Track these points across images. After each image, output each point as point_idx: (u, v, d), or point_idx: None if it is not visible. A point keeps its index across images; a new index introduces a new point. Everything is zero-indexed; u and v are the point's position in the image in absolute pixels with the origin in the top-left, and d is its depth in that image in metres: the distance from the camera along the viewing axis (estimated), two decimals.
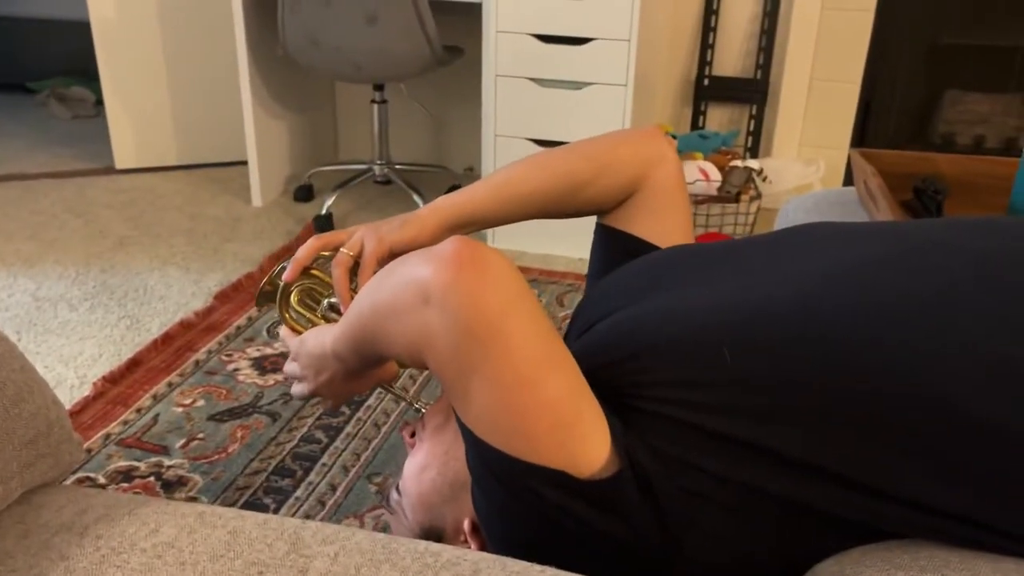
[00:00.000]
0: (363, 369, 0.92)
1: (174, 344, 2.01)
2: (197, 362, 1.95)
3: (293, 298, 1.00)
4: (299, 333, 0.99)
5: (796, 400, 0.73)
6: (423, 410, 1.07)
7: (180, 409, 1.77)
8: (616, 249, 1.10)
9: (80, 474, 1.58)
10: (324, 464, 1.61)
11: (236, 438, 1.69)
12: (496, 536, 0.82)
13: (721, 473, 0.74)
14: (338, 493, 1.54)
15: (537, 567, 0.70)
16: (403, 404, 1.75)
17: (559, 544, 0.77)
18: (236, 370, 1.92)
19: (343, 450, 1.65)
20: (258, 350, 2.00)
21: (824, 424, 0.71)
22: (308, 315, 0.99)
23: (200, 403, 1.80)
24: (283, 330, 1.01)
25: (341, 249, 0.98)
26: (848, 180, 2.90)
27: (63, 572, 0.69)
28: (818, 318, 0.75)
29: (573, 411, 0.74)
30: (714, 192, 2.55)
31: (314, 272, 1.00)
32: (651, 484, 0.74)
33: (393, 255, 0.98)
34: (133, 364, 1.92)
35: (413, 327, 0.75)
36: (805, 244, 0.87)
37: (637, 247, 1.08)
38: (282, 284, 1.01)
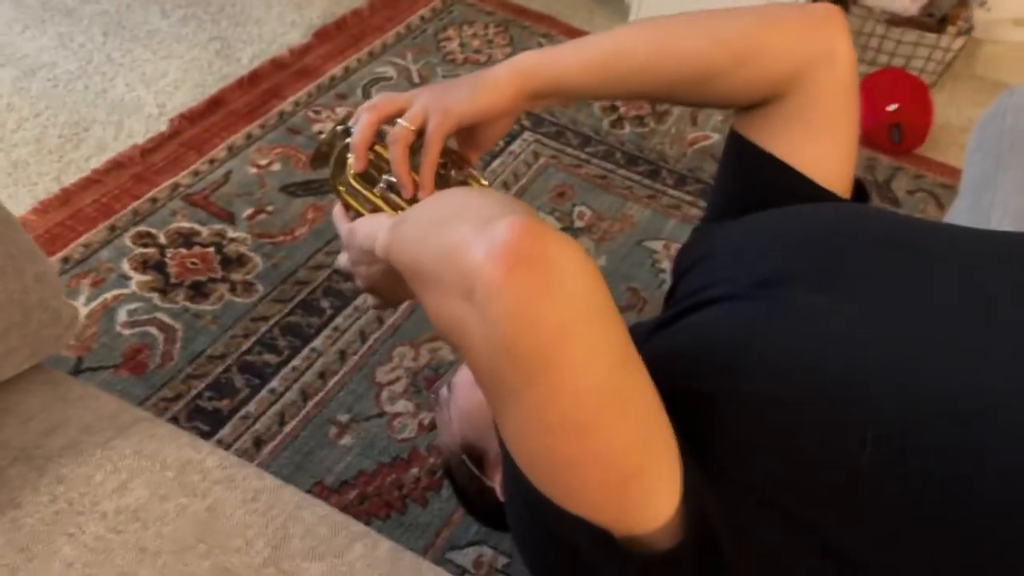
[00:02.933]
0: None
1: (261, 86, 1.83)
2: (282, 114, 1.78)
3: (349, 170, 0.80)
4: (354, 211, 0.81)
5: (935, 542, 0.54)
6: None
7: (254, 170, 1.64)
8: (755, 174, 0.84)
9: (141, 227, 1.49)
10: None
11: (306, 219, 1.56)
12: (522, 550, 0.69)
13: None
14: (399, 313, 1.42)
15: None
16: None
17: None
18: (321, 133, 1.74)
19: None
20: (349, 111, 1.81)
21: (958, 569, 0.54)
22: (365, 192, 0.80)
23: (276, 167, 1.65)
24: (336, 208, 0.82)
25: (399, 122, 0.77)
26: None
27: (8, 529, 0.58)
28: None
29: (634, 465, 0.56)
30: (915, 13, 2.08)
31: (374, 146, 0.80)
32: (720, 564, 0.58)
33: (462, 128, 0.77)
34: (214, 103, 1.76)
35: (449, 315, 0.56)
36: None
37: (783, 179, 0.82)
38: (336, 151, 0.81)
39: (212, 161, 1.64)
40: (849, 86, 0.82)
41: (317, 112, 1.80)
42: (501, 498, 0.82)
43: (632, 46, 0.80)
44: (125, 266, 1.43)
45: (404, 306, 1.43)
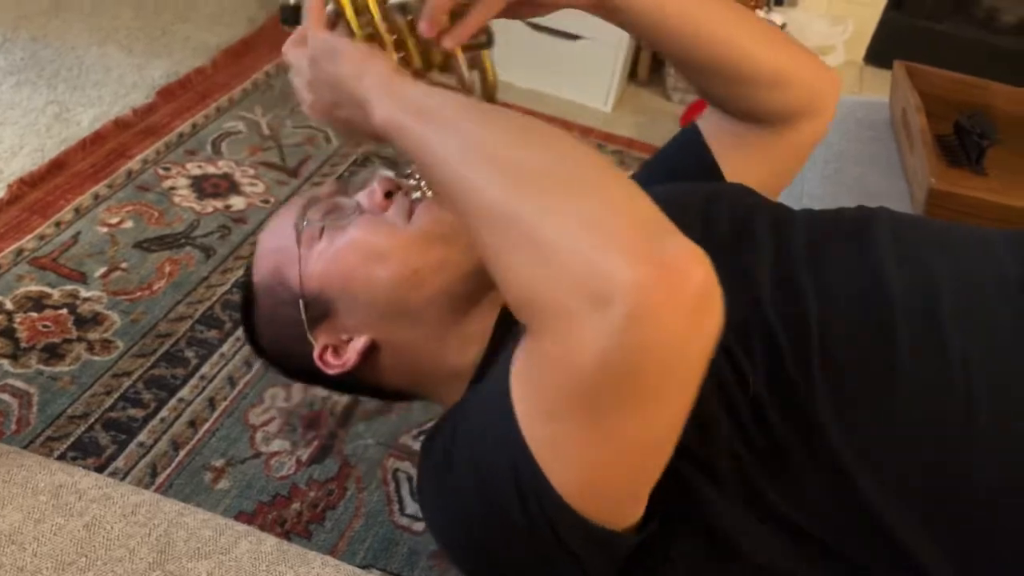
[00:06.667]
0: None
1: (105, 146, 1.80)
2: (130, 172, 1.75)
3: None
4: (344, 24, 0.67)
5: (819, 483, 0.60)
6: (427, 194, 0.76)
7: (104, 229, 1.61)
8: (689, 171, 0.86)
9: None
10: None
11: (163, 273, 1.54)
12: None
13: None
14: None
15: None
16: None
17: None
18: (172, 189, 1.73)
19: None
20: (199, 167, 1.80)
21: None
22: (371, 4, 0.66)
23: (128, 224, 1.63)
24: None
25: None
26: (874, 54, 2.64)
27: None
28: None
29: (648, 480, 0.57)
30: None
31: None
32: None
33: None
34: (56, 166, 1.72)
35: (552, 311, 0.50)
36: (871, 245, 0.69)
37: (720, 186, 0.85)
38: None
39: (59, 224, 1.60)
40: (815, 143, 0.87)
41: (167, 169, 1.78)
42: (317, 360, 0.77)
43: (719, 16, 0.78)
44: None
45: None
